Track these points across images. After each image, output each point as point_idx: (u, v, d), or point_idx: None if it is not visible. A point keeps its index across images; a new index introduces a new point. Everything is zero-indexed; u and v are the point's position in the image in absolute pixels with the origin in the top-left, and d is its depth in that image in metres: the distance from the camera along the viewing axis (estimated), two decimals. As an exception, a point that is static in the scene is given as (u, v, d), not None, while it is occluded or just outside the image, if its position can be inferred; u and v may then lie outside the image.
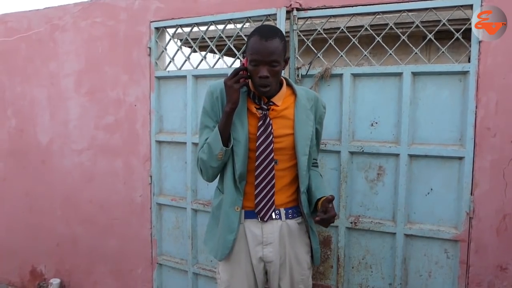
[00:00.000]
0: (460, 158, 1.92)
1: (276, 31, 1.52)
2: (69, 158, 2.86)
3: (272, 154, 1.59)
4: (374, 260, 2.14)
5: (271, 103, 1.61)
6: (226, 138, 1.56)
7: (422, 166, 2.01)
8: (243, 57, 1.70)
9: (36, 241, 3.06)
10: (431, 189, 2.00)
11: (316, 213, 1.56)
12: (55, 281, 2.94)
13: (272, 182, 1.61)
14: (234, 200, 1.63)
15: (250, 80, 1.58)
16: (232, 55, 2.47)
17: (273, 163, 1.59)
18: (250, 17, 2.27)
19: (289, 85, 1.69)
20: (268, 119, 1.59)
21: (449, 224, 1.98)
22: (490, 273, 1.91)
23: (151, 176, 2.59)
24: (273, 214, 1.64)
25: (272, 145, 1.58)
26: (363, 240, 2.15)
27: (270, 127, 1.58)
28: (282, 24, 2.15)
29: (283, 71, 1.61)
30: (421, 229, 2.01)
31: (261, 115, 1.60)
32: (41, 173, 2.98)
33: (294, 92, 1.67)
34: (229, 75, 1.55)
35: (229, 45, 2.36)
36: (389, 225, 2.07)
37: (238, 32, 2.36)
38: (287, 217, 1.66)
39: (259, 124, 1.59)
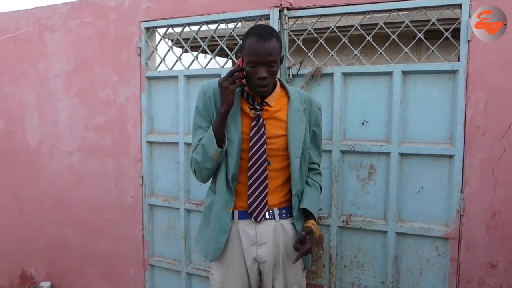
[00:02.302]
0: (450, 157, 1.94)
1: (272, 32, 1.52)
2: (59, 159, 2.83)
3: (265, 155, 1.58)
4: (366, 259, 2.14)
5: (264, 104, 1.60)
6: (220, 139, 1.55)
7: (412, 164, 2.02)
8: (237, 58, 1.69)
9: (26, 244, 3.03)
10: (422, 188, 2.02)
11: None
12: (46, 284, 2.91)
13: (265, 183, 1.60)
14: (227, 201, 1.62)
15: (246, 81, 1.57)
16: (224, 55, 2.47)
17: (266, 163, 1.59)
18: (242, 18, 2.27)
19: (282, 86, 1.68)
20: (262, 119, 1.58)
21: (439, 222, 2.00)
22: (481, 270, 1.93)
23: (142, 177, 2.58)
24: (267, 214, 1.63)
25: (265, 145, 1.57)
26: (355, 239, 2.15)
27: (263, 127, 1.58)
28: (275, 25, 2.15)
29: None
30: (412, 227, 2.02)
31: (254, 115, 1.59)
32: (30, 174, 2.94)
33: (287, 94, 1.66)
34: (224, 75, 1.53)
35: (221, 45, 2.35)
36: (380, 223, 2.08)
37: (231, 32, 2.36)
38: (280, 217, 1.66)
39: (252, 125, 1.58)
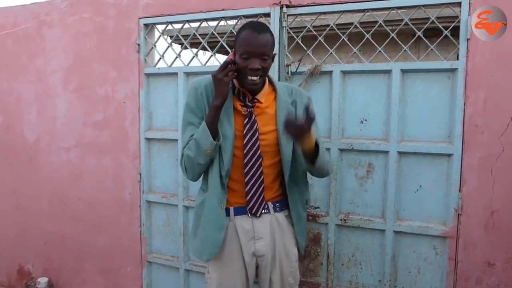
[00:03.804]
0: (449, 155, 1.93)
1: (267, 27, 1.55)
2: (57, 155, 2.82)
3: (259, 151, 1.59)
4: (364, 257, 2.14)
5: (255, 100, 1.61)
6: (213, 134, 1.54)
7: (411, 163, 2.02)
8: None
9: (23, 240, 3.02)
10: (420, 186, 2.02)
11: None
12: (43, 280, 2.91)
13: (261, 178, 1.61)
14: (221, 198, 1.62)
15: (237, 75, 1.57)
16: (224, 52, 2.46)
17: (260, 159, 1.60)
18: (243, 15, 2.26)
19: (270, 82, 1.69)
20: (254, 116, 1.59)
21: (437, 221, 2.00)
22: (478, 269, 1.92)
23: (140, 174, 2.57)
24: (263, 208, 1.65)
25: (259, 142, 1.59)
26: (353, 237, 2.15)
27: (256, 124, 1.59)
28: (276, 23, 2.14)
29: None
30: (410, 226, 2.02)
31: (246, 112, 1.60)
32: (28, 171, 2.93)
33: (274, 89, 1.67)
34: (218, 68, 1.54)
35: (221, 43, 2.35)
36: (378, 222, 2.07)
37: (231, 30, 2.34)
38: (275, 211, 1.68)
39: (245, 122, 1.59)
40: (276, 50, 2.13)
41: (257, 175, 1.61)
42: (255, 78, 1.51)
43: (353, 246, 2.16)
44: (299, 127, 1.42)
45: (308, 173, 1.75)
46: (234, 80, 1.62)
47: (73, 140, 2.76)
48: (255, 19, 2.23)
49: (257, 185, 1.61)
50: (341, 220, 2.13)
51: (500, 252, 1.89)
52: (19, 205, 3.01)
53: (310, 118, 1.42)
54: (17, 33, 2.86)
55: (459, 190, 1.92)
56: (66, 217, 2.85)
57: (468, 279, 1.94)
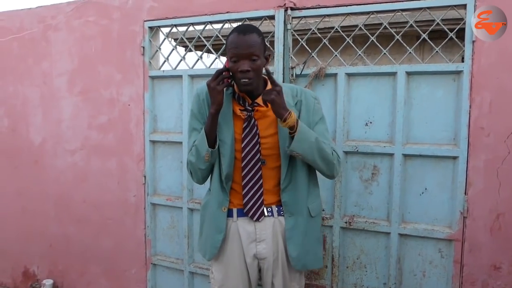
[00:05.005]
0: (454, 158, 1.93)
1: (253, 28, 1.56)
2: (62, 158, 2.84)
3: (259, 155, 1.59)
4: (369, 260, 2.14)
5: (255, 104, 1.60)
6: (212, 140, 1.57)
7: (416, 165, 2.01)
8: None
9: (28, 242, 3.03)
10: (426, 189, 2.01)
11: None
12: (48, 282, 2.92)
13: (260, 182, 1.61)
14: (221, 201, 1.65)
15: (233, 81, 1.58)
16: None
17: (259, 163, 1.60)
18: (248, 18, 2.26)
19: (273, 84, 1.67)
20: (253, 120, 1.60)
21: (443, 224, 1.99)
22: (484, 273, 1.91)
23: (145, 176, 2.58)
24: (265, 211, 1.65)
25: (258, 145, 1.59)
26: (357, 240, 2.15)
27: (256, 128, 1.59)
28: (280, 25, 2.15)
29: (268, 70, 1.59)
30: (416, 229, 2.01)
31: (246, 116, 1.60)
32: (33, 173, 2.95)
33: None
34: (211, 77, 1.55)
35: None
36: (383, 224, 2.07)
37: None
38: (279, 214, 1.67)
39: (244, 126, 1.60)
40: (280, 52, 2.15)
41: (255, 178, 1.61)
42: (247, 79, 1.52)
43: (358, 249, 2.15)
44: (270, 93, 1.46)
45: (314, 179, 1.73)
46: (234, 85, 1.62)
47: (78, 142, 2.77)
48: (259, 22, 2.24)
49: (255, 188, 1.61)
50: (346, 222, 2.13)
51: (506, 255, 1.88)
52: (24, 208, 3.02)
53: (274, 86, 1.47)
54: (23, 36, 2.88)
55: (465, 193, 1.91)
56: (71, 219, 2.87)
57: (474, 283, 1.93)
